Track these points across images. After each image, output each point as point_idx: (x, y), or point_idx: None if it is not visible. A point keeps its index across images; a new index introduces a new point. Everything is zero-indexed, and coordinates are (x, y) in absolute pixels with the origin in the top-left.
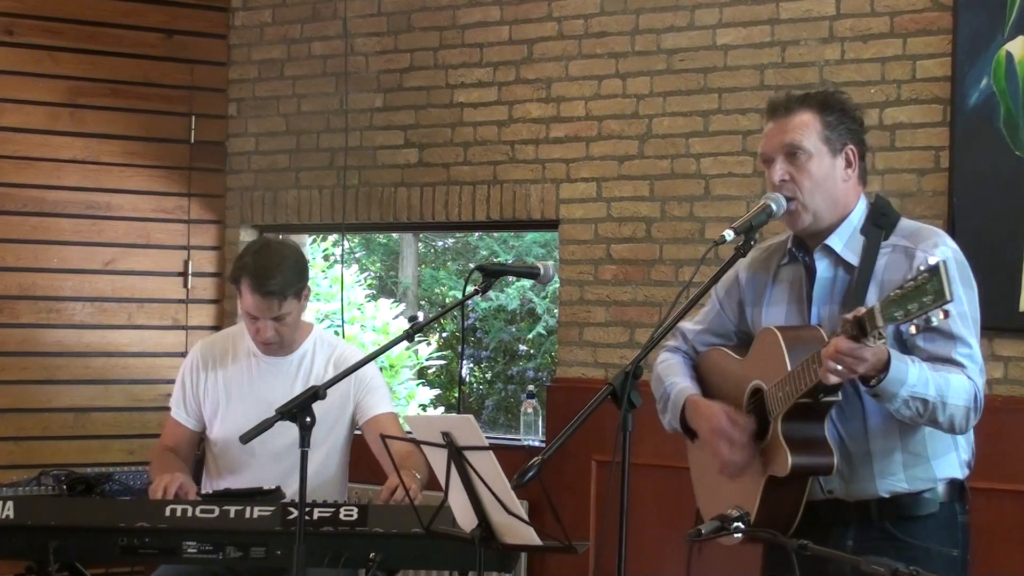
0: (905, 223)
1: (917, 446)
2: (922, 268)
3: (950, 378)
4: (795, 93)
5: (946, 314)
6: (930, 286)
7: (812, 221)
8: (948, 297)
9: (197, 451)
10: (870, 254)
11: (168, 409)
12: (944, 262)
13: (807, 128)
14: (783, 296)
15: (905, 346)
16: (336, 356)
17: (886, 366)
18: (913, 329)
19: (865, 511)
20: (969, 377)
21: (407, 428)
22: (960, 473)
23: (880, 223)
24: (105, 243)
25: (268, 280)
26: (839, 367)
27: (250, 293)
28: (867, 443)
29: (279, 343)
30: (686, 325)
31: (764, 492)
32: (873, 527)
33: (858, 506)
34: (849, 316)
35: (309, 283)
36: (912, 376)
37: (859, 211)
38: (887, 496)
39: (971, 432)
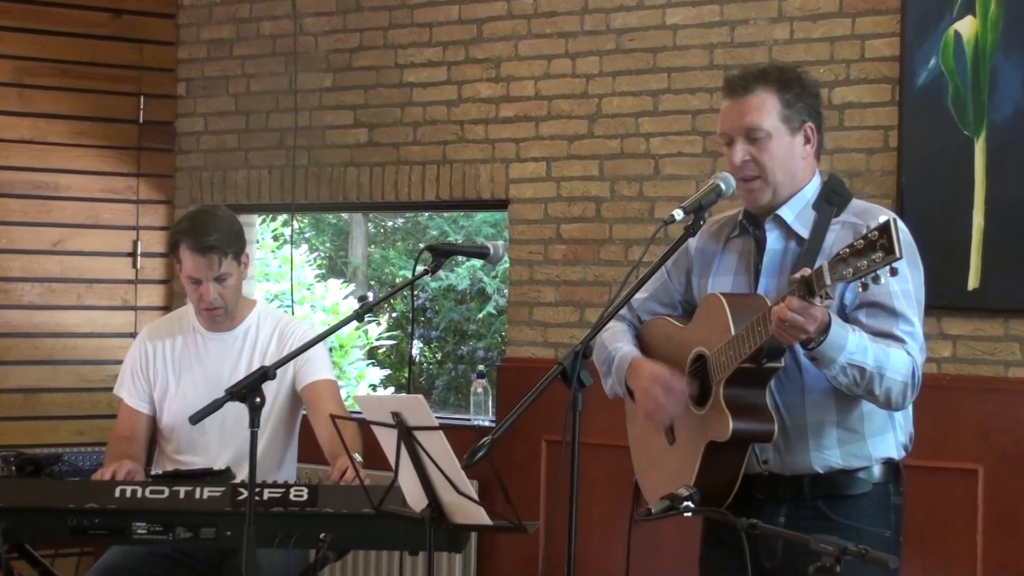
0: (856, 202)
1: (854, 423)
2: (872, 226)
3: (890, 351)
4: (753, 70)
5: (894, 272)
6: (879, 243)
7: (772, 198)
8: (898, 254)
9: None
10: (820, 229)
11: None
12: (894, 220)
13: (766, 108)
14: (731, 267)
15: (847, 321)
16: (281, 327)
17: (826, 329)
18: (860, 288)
19: (799, 488)
20: (909, 353)
21: (357, 408)
22: (896, 454)
23: (832, 200)
24: (53, 223)
25: (206, 237)
26: (789, 325)
27: (190, 254)
28: (804, 416)
29: (224, 309)
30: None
31: (704, 458)
32: (806, 505)
33: (792, 482)
34: (797, 276)
35: (247, 251)
36: (851, 343)
37: (812, 186)
38: (821, 472)
39: (910, 414)
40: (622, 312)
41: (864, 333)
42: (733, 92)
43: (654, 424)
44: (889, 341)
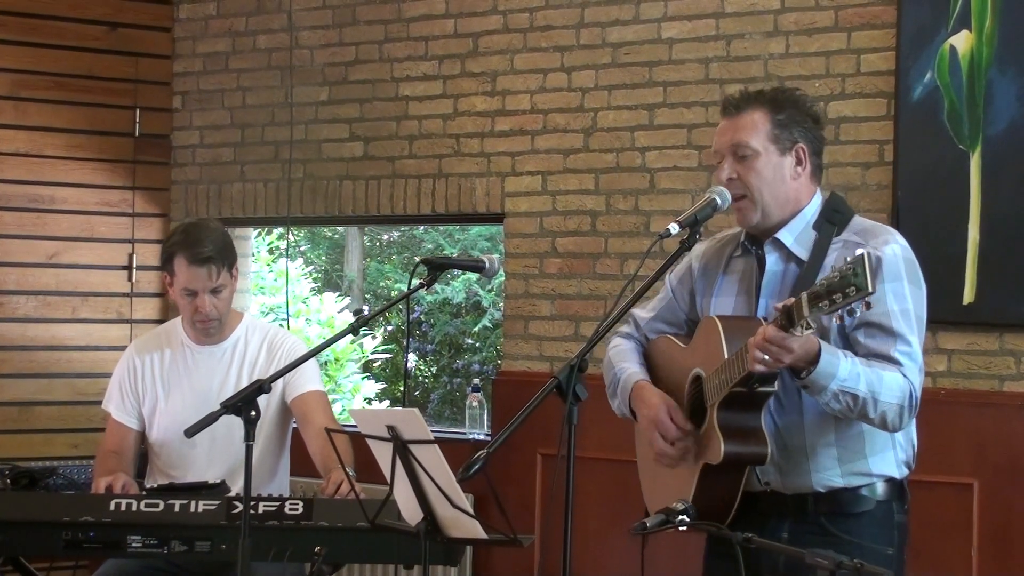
0: (858, 220)
1: (854, 442)
2: (848, 259)
3: (883, 375)
4: (749, 91)
5: (868, 306)
6: (853, 278)
7: (761, 219)
8: (870, 289)
9: (142, 445)
10: (820, 249)
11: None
12: (869, 254)
13: (755, 127)
14: (732, 287)
15: (848, 340)
16: (270, 339)
17: (816, 358)
18: (837, 320)
19: (802, 505)
20: (905, 375)
21: (351, 421)
22: (897, 472)
23: (833, 219)
24: (49, 236)
25: (202, 248)
26: (765, 356)
27: (186, 266)
28: (803, 436)
29: (218, 321)
30: (638, 312)
31: (700, 479)
32: (808, 521)
33: (795, 499)
34: (779, 305)
35: (237, 265)
36: (843, 370)
37: (813, 206)
38: (823, 491)
39: (912, 432)
40: (629, 330)
41: (857, 358)
42: (726, 111)
43: (662, 465)
44: (885, 363)
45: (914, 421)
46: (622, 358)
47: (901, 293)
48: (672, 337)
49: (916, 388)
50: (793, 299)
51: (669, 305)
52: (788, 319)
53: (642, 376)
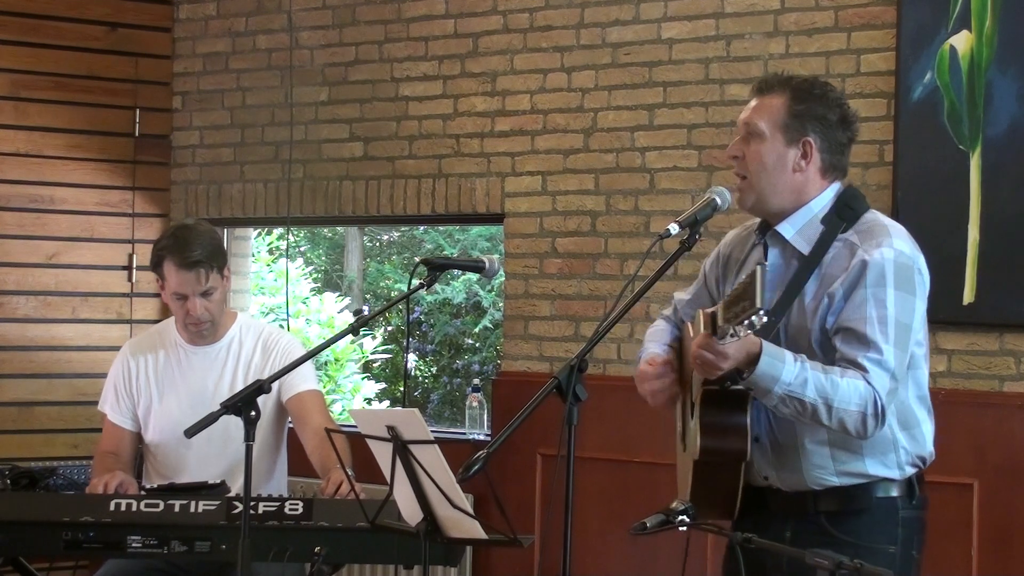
0: (867, 217)
1: (850, 443)
2: (749, 272)
3: (840, 381)
4: (784, 75)
5: (761, 320)
6: (747, 291)
7: (756, 202)
8: (757, 304)
9: (139, 446)
10: (823, 245)
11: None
12: (760, 268)
13: (770, 111)
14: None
15: (829, 345)
16: (264, 338)
17: (755, 361)
18: (743, 332)
19: (802, 503)
20: (869, 382)
21: (351, 421)
22: (898, 474)
23: (843, 215)
24: (49, 237)
25: (191, 252)
26: (700, 362)
27: (176, 270)
28: (795, 435)
29: (210, 323)
30: (677, 295)
31: (694, 474)
32: (809, 521)
33: (795, 497)
34: (707, 312)
35: (228, 265)
36: (787, 374)
37: (822, 201)
38: (819, 489)
39: (922, 432)
40: (668, 313)
41: (811, 364)
42: (755, 89)
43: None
44: (849, 369)
45: (925, 421)
46: (651, 338)
47: (882, 299)
48: (690, 324)
49: (881, 395)
50: (717, 306)
51: (700, 290)
52: (713, 327)
53: (652, 354)
